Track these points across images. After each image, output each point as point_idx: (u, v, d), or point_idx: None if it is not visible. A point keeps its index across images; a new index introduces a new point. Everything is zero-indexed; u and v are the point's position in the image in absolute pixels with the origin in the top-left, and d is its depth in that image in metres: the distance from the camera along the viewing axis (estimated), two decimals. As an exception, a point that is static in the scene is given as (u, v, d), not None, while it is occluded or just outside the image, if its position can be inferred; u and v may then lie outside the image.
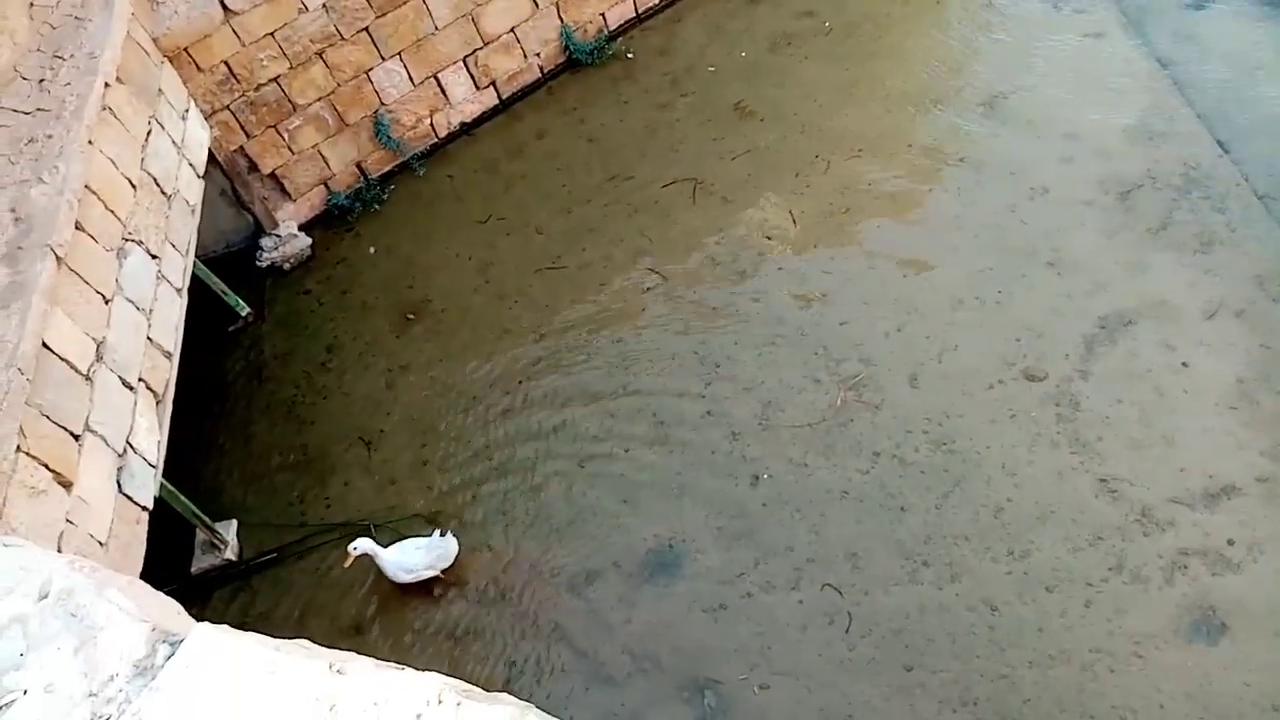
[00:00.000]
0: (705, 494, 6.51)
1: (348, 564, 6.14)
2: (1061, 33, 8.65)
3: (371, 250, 8.49)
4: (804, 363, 6.96)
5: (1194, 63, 8.16)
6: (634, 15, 9.54)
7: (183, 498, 6.28)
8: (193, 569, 6.72)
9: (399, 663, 1.94)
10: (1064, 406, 6.42)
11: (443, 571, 6.36)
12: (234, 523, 6.91)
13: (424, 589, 6.38)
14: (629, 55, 9.38)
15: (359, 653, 1.97)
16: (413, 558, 6.20)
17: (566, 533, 6.55)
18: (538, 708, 1.84)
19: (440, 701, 1.68)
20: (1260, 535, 5.73)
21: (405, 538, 6.33)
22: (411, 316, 7.95)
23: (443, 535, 6.26)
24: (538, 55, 9.19)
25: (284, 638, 2.09)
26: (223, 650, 1.84)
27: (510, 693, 2.30)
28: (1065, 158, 7.72)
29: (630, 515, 6.53)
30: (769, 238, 7.73)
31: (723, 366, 7.08)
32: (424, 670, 1.87)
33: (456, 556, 6.35)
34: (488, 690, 1.92)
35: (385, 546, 6.23)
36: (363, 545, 6.14)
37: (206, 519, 6.61)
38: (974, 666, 5.58)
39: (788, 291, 7.38)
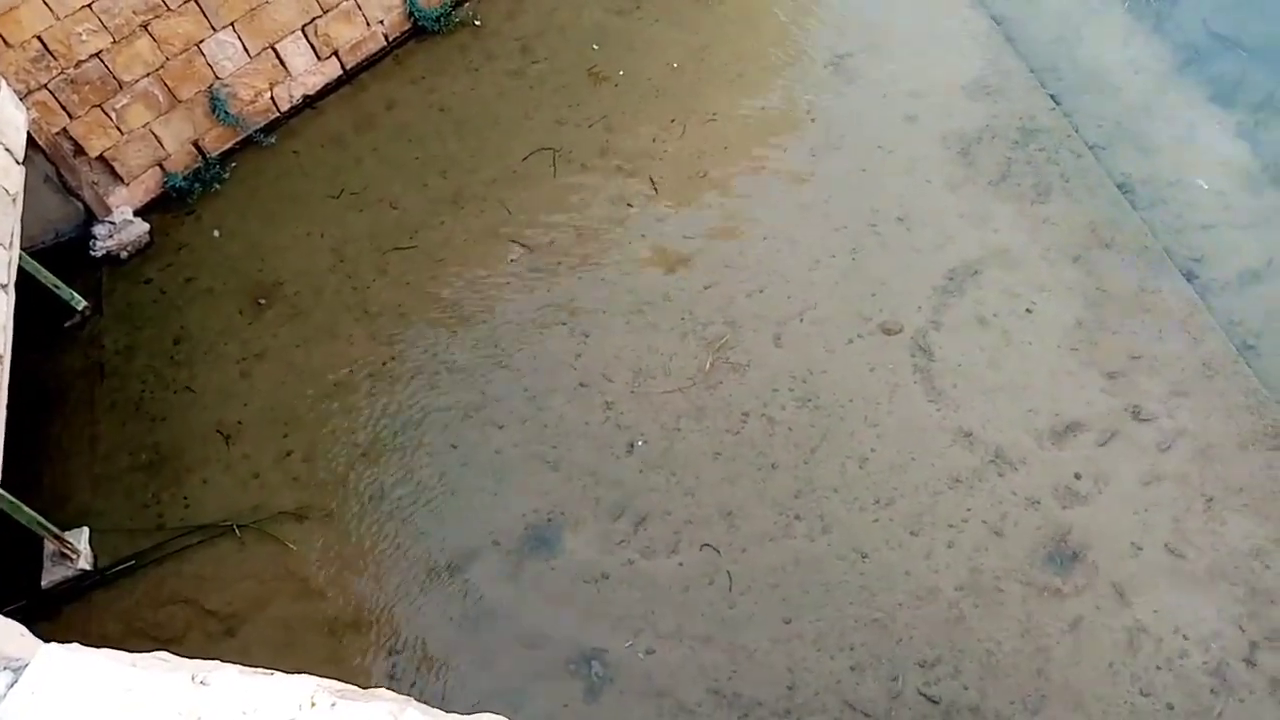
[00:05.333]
0: (581, 465, 6.50)
1: None
2: (901, -7, 8.89)
3: (215, 233, 8.07)
4: (671, 328, 7.01)
5: (1026, 20, 8.51)
6: (480, -19, 9.30)
7: (25, 508, 5.87)
8: (44, 583, 6.29)
9: (273, 666, 1.86)
10: (919, 357, 6.67)
11: None
12: (85, 530, 6.50)
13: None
14: (476, 22, 9.15)
15: (232, 659, 1.88)
16: None
17: (442, 513, 6.43)
18: (418, 699, 1.79)
19: (314, 704, 1.61)
20: (1103, 468, 6.11)
21: None
22: (263, 301, 7.61)
23: None
24: (381, 23, 8.87)
25: (147, 649, 1.98)
26: (73, 671, 1.71)
27: (391, 685, 2.24)
28: (909, 116, 7.96)
29: (507, 492, 6.46)
30: (630, 205, 7.72)
31: (592, 336, 7.05)
32: (297, 672, 1.79)
33: None
34: (368, 685, 1.86)
35: None
36: None
37: (54, 528, 6.20)
38: (848, 613, 5.78)
39: (651, 257, 7.40)
